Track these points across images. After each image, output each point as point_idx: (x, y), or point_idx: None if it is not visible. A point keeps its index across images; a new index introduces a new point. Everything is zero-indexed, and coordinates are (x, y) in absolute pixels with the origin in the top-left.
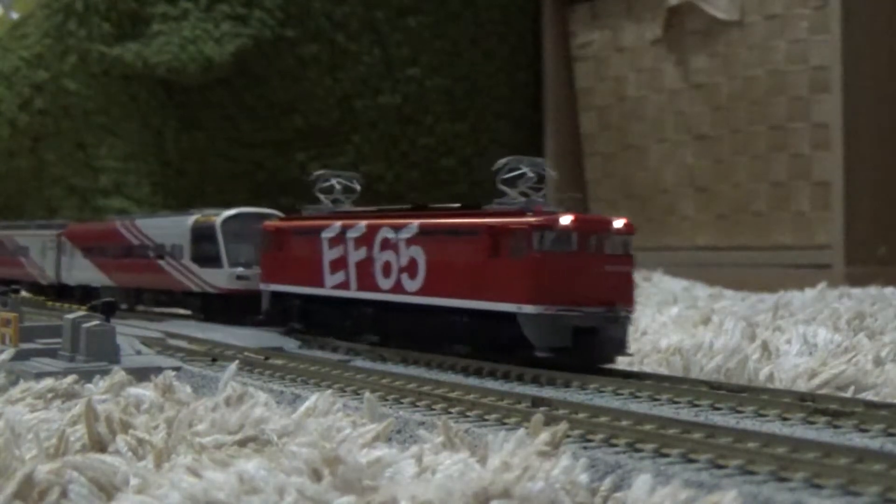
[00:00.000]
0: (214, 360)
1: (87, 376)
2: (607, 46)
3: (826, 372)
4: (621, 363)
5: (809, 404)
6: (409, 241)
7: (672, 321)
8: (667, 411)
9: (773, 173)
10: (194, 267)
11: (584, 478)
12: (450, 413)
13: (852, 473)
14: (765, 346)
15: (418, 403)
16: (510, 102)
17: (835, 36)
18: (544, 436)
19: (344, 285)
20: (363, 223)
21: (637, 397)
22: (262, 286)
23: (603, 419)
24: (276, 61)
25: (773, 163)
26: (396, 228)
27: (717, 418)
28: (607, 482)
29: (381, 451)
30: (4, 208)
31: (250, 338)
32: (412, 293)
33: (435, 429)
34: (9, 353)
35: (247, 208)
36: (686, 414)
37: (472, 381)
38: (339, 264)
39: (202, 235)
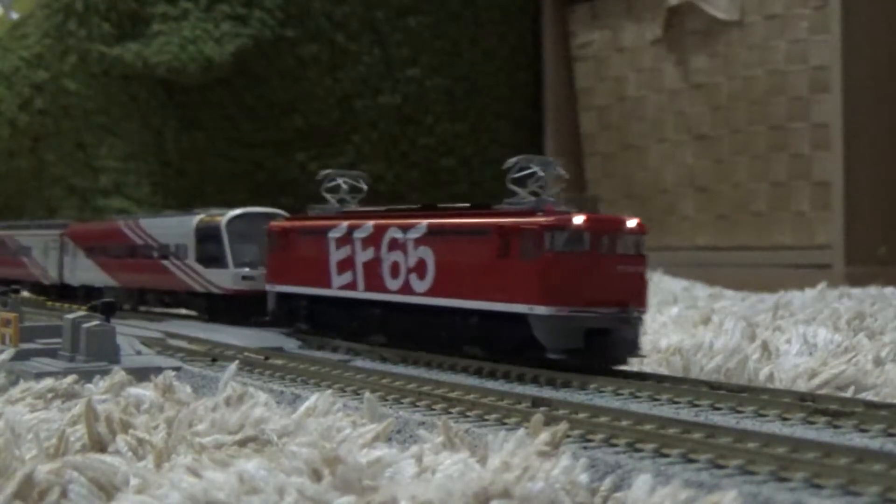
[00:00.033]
0: (214, 360)
1: (87, 376)
2: (607, 46)
3: (826, 372)
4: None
5: (809, 404)
6: (418, 242)
7: (672, 321)
8: (667, 411)
9: (773, 173)
10: (199, 267)
11: (584, 478)
12: (450, 413)
13: (852, 473)
14: (765, 346)
15: (418, 403)
16: (510, 102)
17: (835, 36)
18: (544, 436)
19: (351, 286)
20: (371, 223)
21: (637, 397)
22: (268, 287)
23: (603, 419)
24: (276, 61)
25: (773, 163)
26: (405, 228)
27: (717, 418)
28: (607, 482)
29: (381, 451)
30: (4, 208)
31: (250, 338)
32: (421, 294)
33: (435, 429)
34: (9, 353)
35: (252, 208)
36: (686, 414)
37: (472, 381)
38: (347, 265)
39: (207, 235)
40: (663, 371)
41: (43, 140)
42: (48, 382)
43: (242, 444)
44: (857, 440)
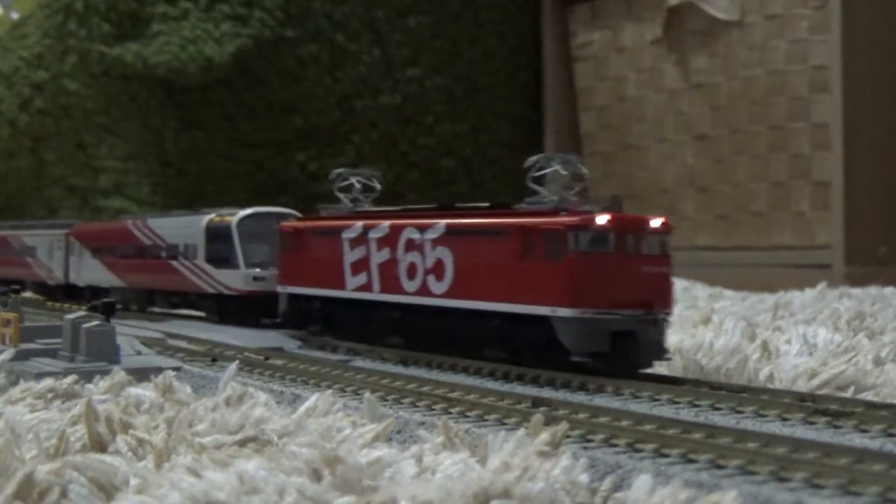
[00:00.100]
0: (214, 360)
1: (87, 376)
2: (607, 46)
3: (826, 372)
4: None
5: (809, 404)
6: (436, 242)
7: (672, 321)
8: (667, 411)
9: (773, 173)
10: (209, 268)
11: (584, 478)
12: (450, 413)
13: (852, 473)
14: (765, 346)
15: (418, 403)
16: (510, 102)
17: (835, 36)
18: (544, 436)
19: (366, 287)
20: (386, 223)
21: (637, 397)
22: (280, 288)
23: (603, 419)
24: (276, 61)
25: (773, 163)
26: (422, 229)
27: (717, 418)
28: (607, 482)
29: (381, 451)
30: (4, 208)
31: (250, 338)
32: (439, 296)
33: (435, 429)
34: (9, 353)
35: (263, 208)
36: (686, 414)
37: (472, 381)
38: (361, 266)
39: (217, 235)
40: (663, 371)
41: (43, 140)
42: (48, 382)
43: (242, 444)
44: (857, 440)
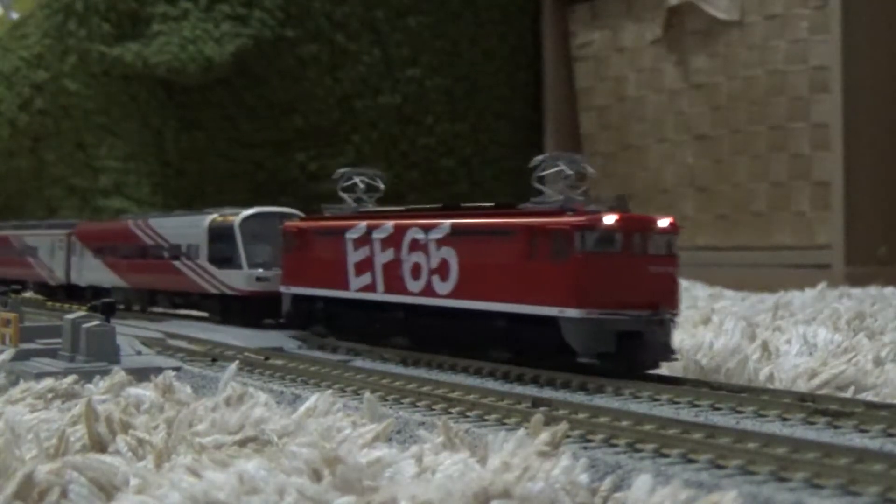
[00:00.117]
0: (214, 360)
1: (87, 376)
2: (607, 46)
3: (826, 372)
4: None
5: (809, 405)
6: (441, 242)
7: None
8: (667, 411)
9: (773, 173)
10: (211, 268)
11: (584, 478)
12: (450, 413)
13: (852, 473)
14: (765, 346)
15: (418, 403)
16: (510, 102)
17: (835, 36)
18: (544, 436)
19: (370, 288)
20: (390, 223)
21: (637, 397)
22: (283, 289)
23: (603, 419)
24: (276, 61)
25: (773, 163)
26: (426, 229)
27: (717, 418)
28: (607, 482)
29: (381, 451)
30: (4, 208)
31: (250, 338)
32: (444, 296)
33: (435, 429)
34: (9, 353)
35: (266, 208)
36: (686, 414)
37: (472, 381)
38: (365, 266)
39: (220, 235)
40: (663, 371)
41: (43, 140)
42: (48, 382)
43: (242, 444)
44: (857, 440)
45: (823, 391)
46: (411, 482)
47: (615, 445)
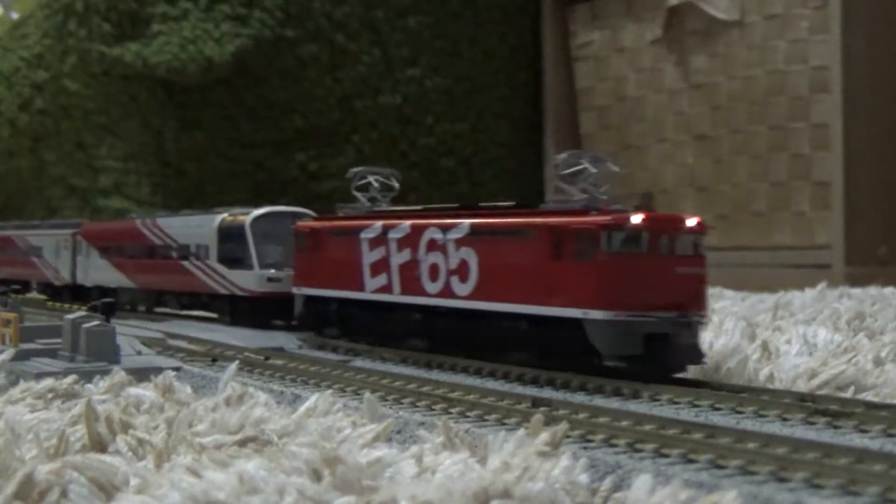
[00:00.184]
0: (214, 360)
1: (87, 376)
2: (607, 46)
3: (826, 372)
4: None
5: (809, 405)
6: (460, 243)
7: None
8: (667, 411)
9: (773, 173)
10: (221, 268)
11: (584, 478)
12: (450, 413)
13: (852, 473)
14: (765, 346)
15: (418, 403)
16: (510, 102)
17: (835, 36)
18: (544, 436)
19: (386, 289)
20: (407, 223)
21: (637, 397)
22: (295, 290)
23: (603, 419)
24: (276, 61)
25: (773, 163)
26: (445, 229)
27: (717, 419)
28: (607, 482)
29: (381, 451)
30: (5, 208)
31: (250, 338)
32: (463, 297)
33: (435, 429)
34: (9, 353)
35: (277, 207)
36: (686, 414)
37: (472, 381)
38: (381, 266)
39: (230, 235)
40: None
41: (43, 140)
42: (48, 382)
43: (242, 444)
44: (857, 440)
45: (823, 391)
46: (411, 482)
47: (615, 445)
